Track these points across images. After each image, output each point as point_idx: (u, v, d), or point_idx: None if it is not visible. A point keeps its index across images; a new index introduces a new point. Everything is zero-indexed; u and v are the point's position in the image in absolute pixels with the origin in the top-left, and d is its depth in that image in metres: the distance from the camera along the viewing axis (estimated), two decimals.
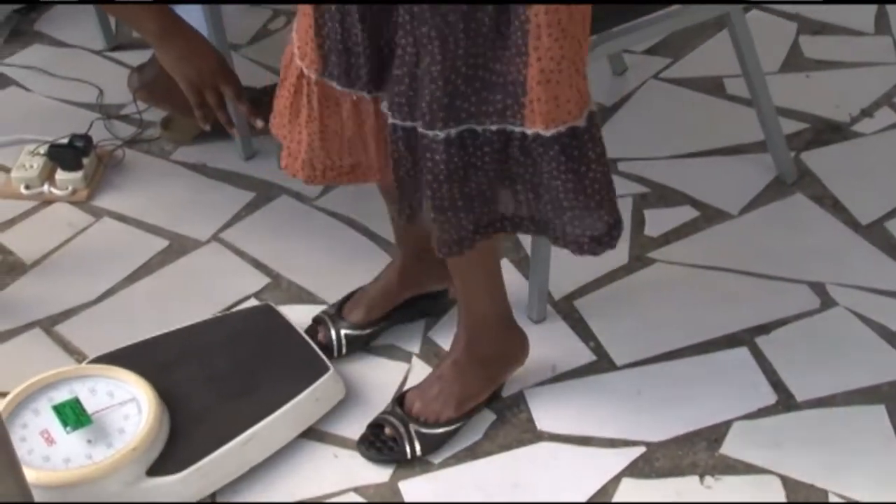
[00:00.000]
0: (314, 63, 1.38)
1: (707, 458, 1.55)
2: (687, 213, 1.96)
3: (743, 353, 1.70)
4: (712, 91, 2.23)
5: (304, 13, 1.38)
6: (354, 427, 1.59)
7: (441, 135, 1.32)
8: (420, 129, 1.33)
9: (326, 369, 1.60)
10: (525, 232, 1.46)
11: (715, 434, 1.58)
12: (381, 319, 1.71)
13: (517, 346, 1.63)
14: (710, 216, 1.95)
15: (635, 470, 1.54)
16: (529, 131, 1.32)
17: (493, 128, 1.33)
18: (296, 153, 1.47)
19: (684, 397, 1.64)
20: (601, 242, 1.43)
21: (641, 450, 1.57)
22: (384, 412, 1.59)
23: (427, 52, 1.28)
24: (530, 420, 1.62)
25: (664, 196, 2.00)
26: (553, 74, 1.28)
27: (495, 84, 1.30)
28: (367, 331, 1.70)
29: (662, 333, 1.74)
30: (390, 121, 1.36)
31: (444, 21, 1.26)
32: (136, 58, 2.29)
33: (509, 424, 1.61)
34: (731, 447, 1.56)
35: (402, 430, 1.55)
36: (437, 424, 1.56)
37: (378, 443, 1.56)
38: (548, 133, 1.32)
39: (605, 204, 1.40)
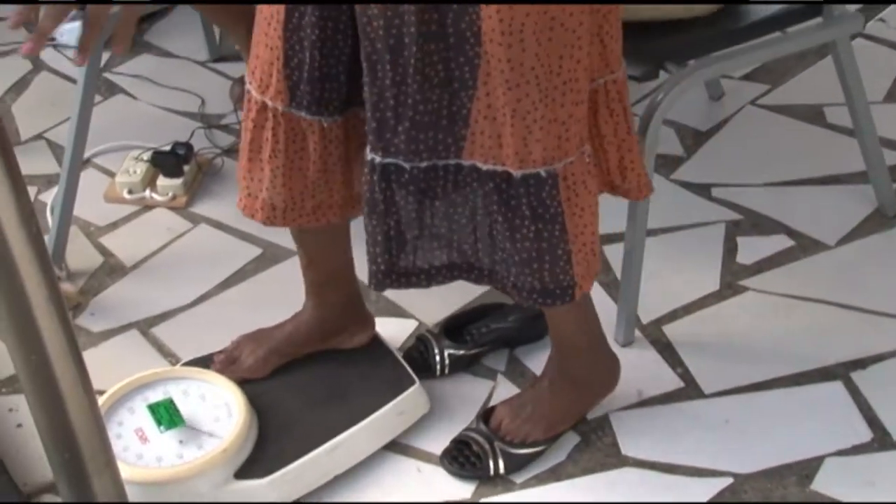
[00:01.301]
0: (280, 94, 1.33)
1: (797, 494, 1.52)
2: (782, 242, 1.93)
3: (837, 387, 1.67)
4: (812, 119, 2.20)
5: (268, 46, 1.32)
6: (438, 442, 1.60)
7: (374, 160, 1.29)
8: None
9: (412, 383, 1.61)
10: (448, 281, 1.40)
11: (806, 469, 1.55)
12: (278, 369, 1.62)
13: (609, 371, 1.61)
14: (805, 246, 1.92)
15: (722, 501, 1.51)
16: (466, 163, 1.29)
17: (423, 165, 1.29)
18: (255, 192, 1.41)
19: (774, 429, 1.61)
20: (552, 296, 1.36)
21: (728, 481, 1.54)
22: (469, 428, 1.60)
23: (378, 74, 1.25)
24: (615, 444, 1.60)
25: (758, 224, 1.97)
26: (500, 112, 1.23)
27: (430, 121, 1.26)
28: (473, 351, 1.70)
29: (753, 363, 1.71)
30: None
31: (400, 46, 1.22)
32: (238, 69, 2.35)
33: (594, 447, 1.60)
34: (822, 483, 1.53)
35: (486, 447, 1.55)
36: (524, 445, 1.55)
37: (461, 458, 1.57)
38: (483, 168, 1.27)
39: (544, 266, 1.33)
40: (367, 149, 1.30)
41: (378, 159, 1.29)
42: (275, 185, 1.39)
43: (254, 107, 1.36)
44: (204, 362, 1.63)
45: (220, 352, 1.64)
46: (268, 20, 1.31)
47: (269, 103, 1.34)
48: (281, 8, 1.29)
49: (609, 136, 1.37)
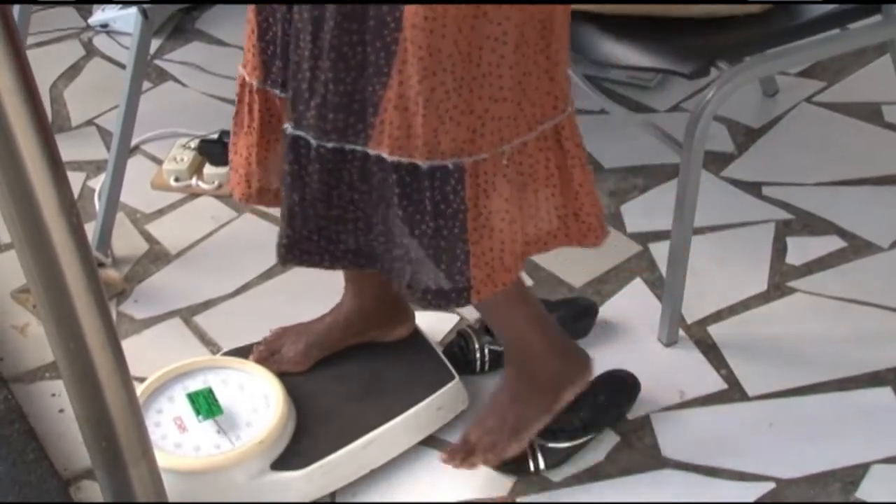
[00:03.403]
0: (256, 70, 1.32)
1: (841, 501, 1.49)
2: (833, 243, 1.88)
3: (886, 393, 1.63)
4: (868, 118, 2.15)
5: (248, 18, 1.32)
6: None
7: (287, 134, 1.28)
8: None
9: (451, 378, 1.60)
10: (353, 267, 1.38)
11: (851, 476, 1.52)
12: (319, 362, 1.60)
13: (572, 368, 1.54)
14: (857, 248, 1.87)
15: None
16: (372, 152, 1.26)
17: (329, 145, 1.27)
18: (237, 167, 1.41)
19: (819, 434, 1.57)
20: (446, 298, 1.31)
21: (771, 485, 1.51)
22: None
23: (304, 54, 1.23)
24: (655, 445, 1.58)
25: (809, 224, 1.93)
26: (412, 102, 1.20)
27: (340, 102, 1.23)
28: None
29: (799, 366, 1.68)
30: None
31: (318, 31, 1.21)
32: None
33: (633, 448, 1.58)
34: (867, 491, 1.49)
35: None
36: (498, 454, 1.50)
37: None
38: (388, 159, 1.24)
39: (440, 265, 1.29)
40: (284, 116, 1.29)
41: (290, 129, 1.28)
42: (250, 162, 1.38)
43: (238, 80, 1.36)
44: (243, 352, 1.63)
45: (260, 343, 1.64)
46: None
47: (247, 78, 1.34)
48: None
49: (564, 175, 1.34)
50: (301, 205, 1.31)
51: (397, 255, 1.32)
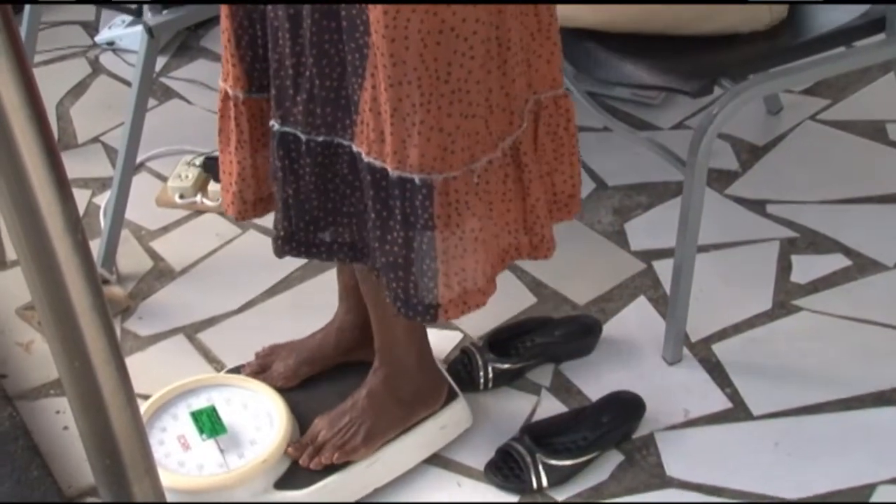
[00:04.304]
0: (239, 80, 1.30)
1: None
2: (838, 262, 1.88)
3: (892, 412, 1.62)
4: (873, 136, 2.15)
5: (223, 28, 1.30)
6: (480, 456, 1.58)
7: (275, 129, 1.28)
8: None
9: (455, 396, 1.60)
10: (349, 260, 1.37)
11: (857, 496, 1.51)
12: (308, 379, 1.60)
13: (434, 389, 1.56)
14: (863, 266, 1.87)
15: None
16: (356, 149, 1.26)
17: (319, 139, 1.26)
18: (227, 186, 1.39)
19: (825, 454, 1.57)
20: (413, 310, 1.30)
21: None
22: (513, 439, 1.58)
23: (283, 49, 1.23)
24: (659, 464, 1.58)
25: (815, 242, 1.93)
26: (383, 108, 1.19)
27: (327, 97, 1.23)
28: (518, 365, 1.68)
29: (804, 385, 1.67)
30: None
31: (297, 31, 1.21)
32: None
33: (637, 467, 1.57)
34: None
35: (528, 459, 1.54)
36: (347, 453, 1.49)
37: (506, 469, 1.55)
38: (365, 159, 1.24)
39: (409, 276, 1.28)
40: (270, 114, 1.28)
41: (277, 126, 1.28)
42: (243, 177, 1.37)
43: (219, 96, 1.35)
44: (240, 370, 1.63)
45: (251, 360, 1.64)
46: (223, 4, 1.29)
47: (230, 91, 1.32)
48: None
49: (548, 157, 1.34)
50: (296, 198, 1.31)
51: (378, 254, 1.31)
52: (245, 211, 1.40)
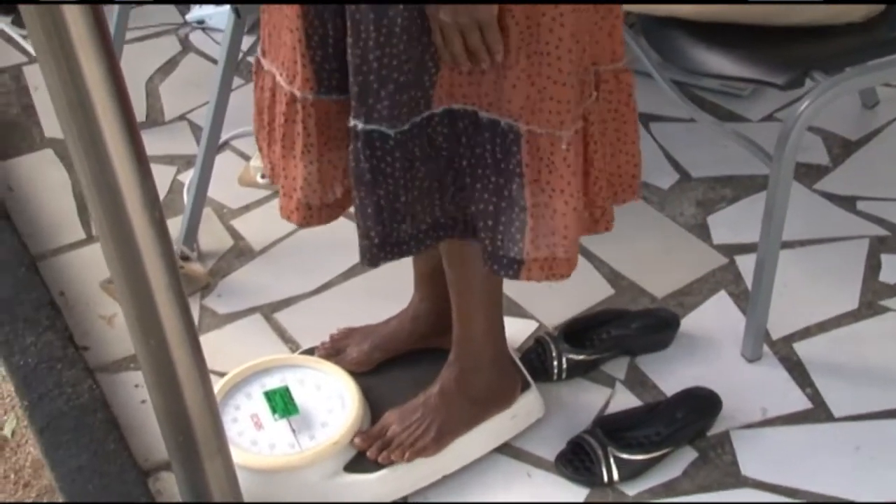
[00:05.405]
0: (308, 81, 1.27)
1: None
2: None
3: None
4: None
5: (288, 28, 1.26)
6: (551, 447, 1.57)
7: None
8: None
9: (527, 386, 1.58)
10: (434, 242, 1.35)
11: None
12: (381, 364, 1.60)
13: (508, 389, 1.54)
14: None
15: None
16: (437, 110, 1.25)
17: (405, 128, 1.25)
18: (290, 192, 1.35)
19: None
20: (499, 263, 1.31)
21: None
22: (585, 431, 1.56)
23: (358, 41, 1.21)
24: (734, 463, 1.54)
25: None
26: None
27: (411, 80, 1.22)
28: (593, 357, 1.66)
29: (888, 388, 1.62)
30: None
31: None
32: None
33: (712, 465, 1.54)
34: None
35: (599, 452, 1.52)
36: (417, 452, 1.48)
37: (576, 461, 1.54)
38: (453, 106, 1.23)
39: (498, 226, 1.28)
40: (350, 115, 1.25)
41: (361, 125, 1.24)
42: (309, 182, 1.32)
43: (282, 99, 1.31)
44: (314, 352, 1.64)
45: (326, 341, 1.65)
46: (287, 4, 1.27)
47: (298, 94, 1.28)
48: None
49: (610, 135, 1.33)
50: (387, 199, 1.29)
51: (471, 211, 1.31)
52: (310, 217, 1.36)
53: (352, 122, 1.26)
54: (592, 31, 1.28)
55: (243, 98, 2.31)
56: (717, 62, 1.55)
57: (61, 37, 0.96)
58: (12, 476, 1.56)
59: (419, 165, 1.29)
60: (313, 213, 1.36)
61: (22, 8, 0.99)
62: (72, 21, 0.96)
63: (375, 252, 1.33)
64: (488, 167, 1.27)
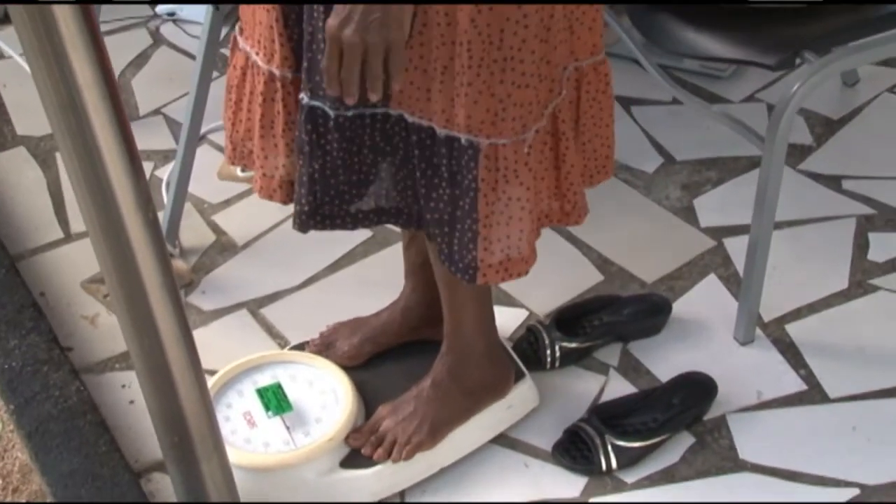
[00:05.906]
0: (287, 60, 1.26)
1: None
2: None
3: None
4: None
5: (264, 8, 1.25)
6: (547, 437, 1.56)
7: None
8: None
9: (521, 376, 1.57)
10: (374, 224, 1.35)
11: None
12: (372, 357, 1.59)
13: (502, 379, 1.54)
14: None
15: None
16: (393, 112, 1.24)
17: (349, 113, 1.23)
18: (271, 171, 1.35)
19: None
20: (455, 266, 1.30)
21: (855, 491, 1.47)
22: (581, 419, 1.55)
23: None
24: (732, 447, 1.54)
25: (893, 219, 1.87)
26: (431, 66, 1.18)
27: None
28: (585, 344, 1.65)
29: (882, 367, 1.62)
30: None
31: None
32: None
33: (709, 450, 1.54)
34: None
35: (597, 440, 1.51)
36: (413, 448, 1.47)
37: (574, 450, 1.53)
38: (409, 119, 1.22)
39: (454, 233, 1.28)
40: (300, 88, 1.25)
41: (306, 100, 1.25)
42: (291, 159, 1.32)
43: (260, 79, 1.30)
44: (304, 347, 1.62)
45: (316, 336, 1.63)
46: None
47: (277, 72, 1.27)
48: None
49: (589, 125, 1.33)
50: (322, 173, 1.29)
51: (424, 208, 1.30)
52: (294, 194, 1.36)
53: (300, 95, 1.26)
54: (574, 27, 1.27)
55: (220, 91, 2.27)
56: (707, 44, 1.54)
57: (52, 37, 0.94)
58: (0, 482, 1.53)
59: (367, 153, 1.28)
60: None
61: (10, 8, 0.96)
62: (62, 21, 0.93)
63: (304, 220, 1.34)
64: (444, 179, 1.26)
